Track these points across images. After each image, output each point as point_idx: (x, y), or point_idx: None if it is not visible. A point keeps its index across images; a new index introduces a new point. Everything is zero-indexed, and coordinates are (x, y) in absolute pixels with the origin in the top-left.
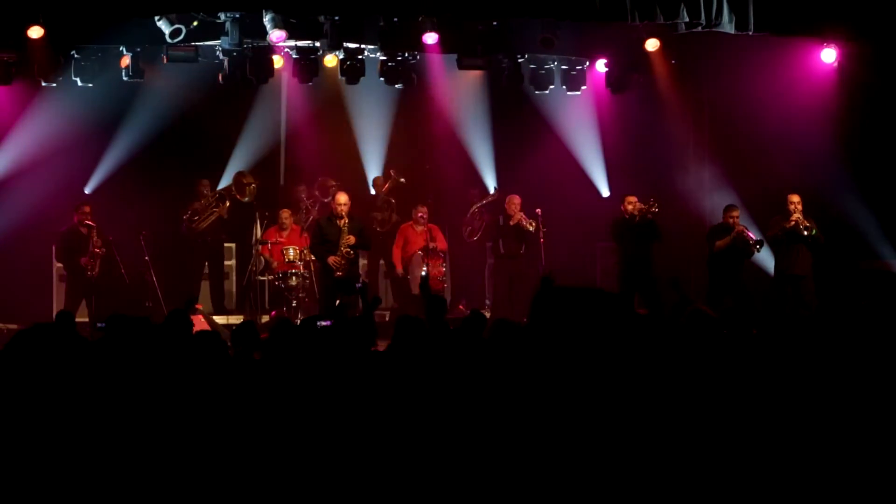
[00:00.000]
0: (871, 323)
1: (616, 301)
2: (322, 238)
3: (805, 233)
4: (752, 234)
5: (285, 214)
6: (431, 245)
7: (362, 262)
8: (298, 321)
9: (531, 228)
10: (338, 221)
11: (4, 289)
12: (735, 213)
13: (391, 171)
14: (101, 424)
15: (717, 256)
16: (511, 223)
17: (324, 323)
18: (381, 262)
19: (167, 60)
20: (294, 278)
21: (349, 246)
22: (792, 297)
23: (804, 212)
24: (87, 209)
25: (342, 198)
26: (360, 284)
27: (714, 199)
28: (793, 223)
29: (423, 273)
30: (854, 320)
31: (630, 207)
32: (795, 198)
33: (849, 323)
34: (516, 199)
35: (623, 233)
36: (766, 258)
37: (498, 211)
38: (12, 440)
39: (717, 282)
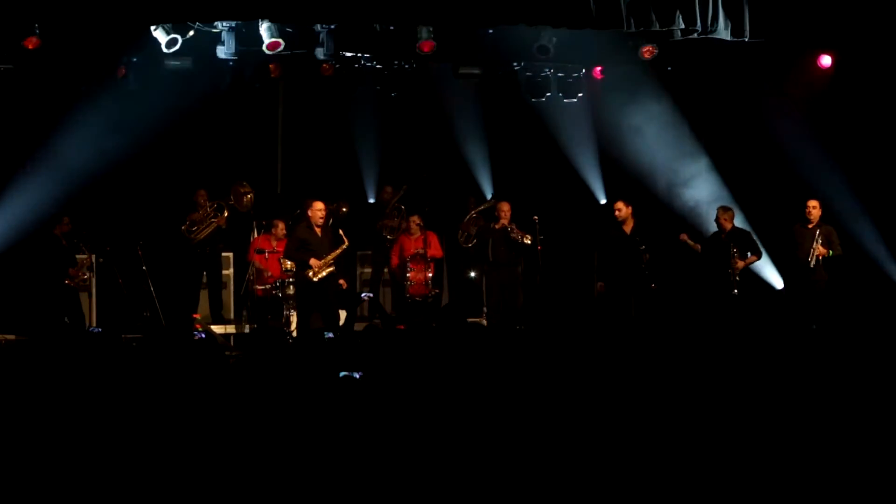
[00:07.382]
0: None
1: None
2: (300, 245)
3: (811, 263)
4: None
5: (281, 225)
6: (422, 251)
7: (365, 270)
8: (294, 330)
9: (527, 242)
10: (317, 230)
11: (3, 299)
12: (725, 217)
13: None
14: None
15: (704, 260)
16: (496, 226)
17: (329, 335)
18: (386, 270)
19: (164, 70)
20: (291, 287)
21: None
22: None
23: (822, 218)
24: (66, 220)
25: (319, 204)
26: (371, 295)
27: (712, 205)
28: (811, 258)
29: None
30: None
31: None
32: (812, 203)
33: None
34: (505, 207)
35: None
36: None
37: (494, 218)
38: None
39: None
